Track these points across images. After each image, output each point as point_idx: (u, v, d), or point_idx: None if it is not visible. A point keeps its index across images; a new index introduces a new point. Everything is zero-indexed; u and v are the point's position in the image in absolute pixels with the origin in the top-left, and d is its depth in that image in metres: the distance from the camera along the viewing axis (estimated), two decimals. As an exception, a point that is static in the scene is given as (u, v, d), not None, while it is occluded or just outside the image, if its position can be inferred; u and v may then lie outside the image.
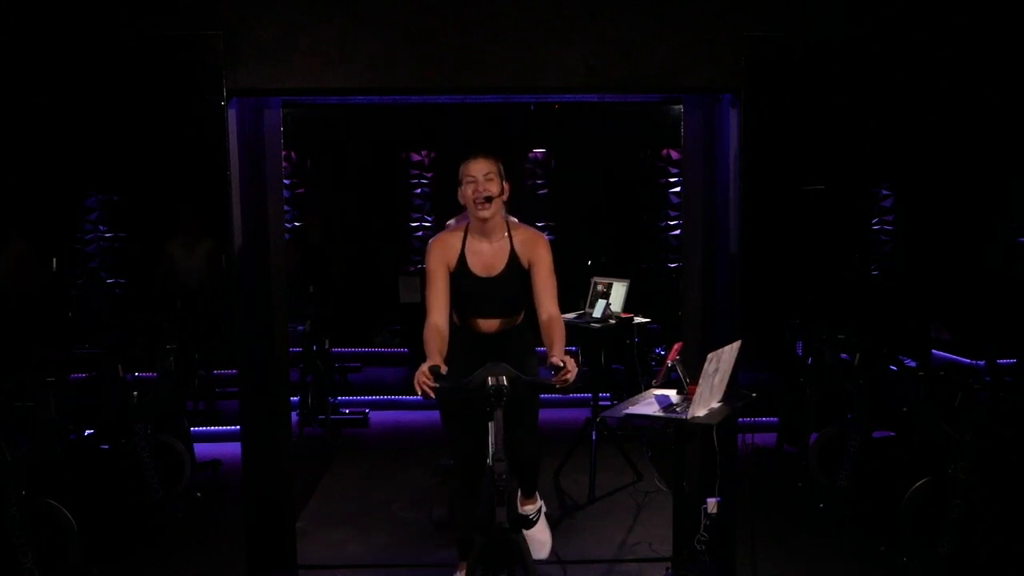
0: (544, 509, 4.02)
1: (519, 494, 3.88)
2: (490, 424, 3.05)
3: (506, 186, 3.45)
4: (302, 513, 4.80)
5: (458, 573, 3.80)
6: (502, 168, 3.43)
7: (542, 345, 3.45)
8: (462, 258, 3.48)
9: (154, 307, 6.89)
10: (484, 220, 3.42)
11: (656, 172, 9.47)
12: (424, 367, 3.05)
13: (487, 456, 3.09)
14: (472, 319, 3.59)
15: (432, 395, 3.04)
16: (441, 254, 3.47)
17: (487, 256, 3.48)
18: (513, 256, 3.48)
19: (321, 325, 6.52)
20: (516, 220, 3.60)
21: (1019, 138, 5.04)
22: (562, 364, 3.06)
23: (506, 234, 3.49)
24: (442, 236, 3.54)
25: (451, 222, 3.71)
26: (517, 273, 3.48)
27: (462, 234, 3.51)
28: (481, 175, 3.37)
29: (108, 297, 8.02)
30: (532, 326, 3.61)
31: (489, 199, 3.37)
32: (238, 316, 3.84)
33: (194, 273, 6.85)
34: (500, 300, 3.54)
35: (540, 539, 3.89)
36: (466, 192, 3.40)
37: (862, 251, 8.49)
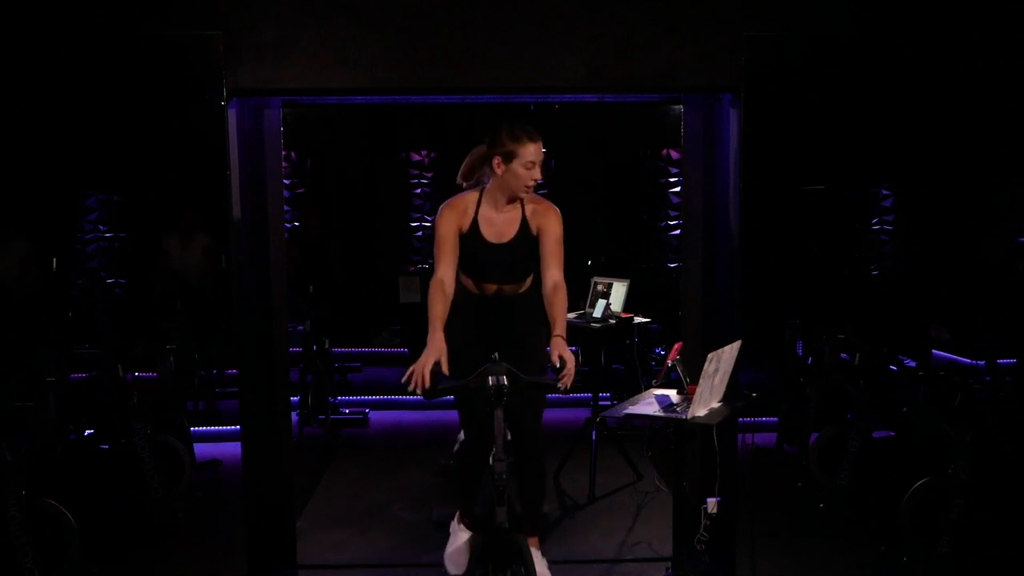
0: (547, 564, 3.88)
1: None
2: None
3: None
4: (302, 513, 4.80)
5: (454, 522, 3.85)
6: None
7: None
8: (475, 223, 3.52)
9: (154, 307, 6.89)
10: (522, 196, 3.49)
11: (656, 172, 9.48)
12: (427, 364, 3.05)
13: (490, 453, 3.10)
14: (482, 284, 3.62)
15: (430, 398, 3.05)
16: (454, 217, 3.51)
17: (499, 224, 3.53)
18: (524, 224, 3.52)
19: (321, 325, 6.52)
20: (532, 193, 3.62)
21: (1019, 138, 5.04)
22: (558, 364, 3.07)
23: (519, 203, 3.52)
24: (455, 201, 3.56)
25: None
26: (526, 240, 3.52)
27: (476, 199, 3.54)
28: (538, 160, 3.42)
29: (108, 297, 8.02)
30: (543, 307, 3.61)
31: (537, 184, 3.46)
32: (238, 316, 3.84)
33: (191, 273, 6.86)
34: (509, 266, 3.58)
35: None
36: (517, 172, 3.41)
37: (862, 251, 8.49)
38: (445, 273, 3.42)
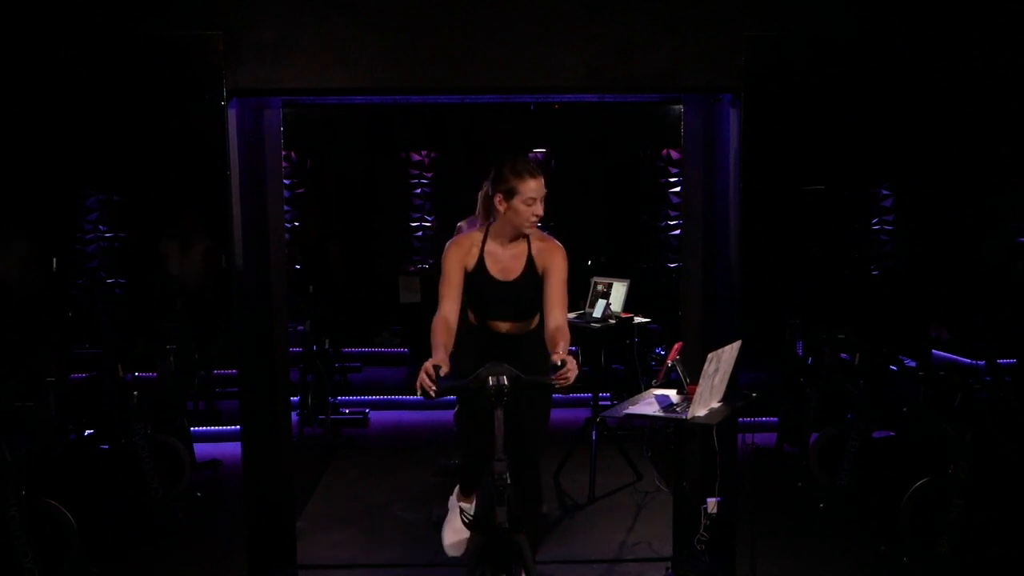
0: None
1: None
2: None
3: None
4: (302, 513, 4.80)
5: (455, 498, 3.85)
6: None
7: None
8: (480, 260, 3.50)
9: (154, 307, 6.90)
10: (526, 232, 3.46)
11: (656, 172, 9.48)
12: (428, 365, 3.06)
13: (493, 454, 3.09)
14: (487, 321, 3.61)
15: (432, 396, 3.04)
16: (459, 255, 3.50)
17: (505, 260, 3.51)
18: (530, 262, 3.51)
19: (321, 325, 6.52)
20: (538, 229, 3.61)
21: (1019, 138, 5.04)
22: (560, 364, 3.06)
23: (526, 240, 3.51)
24: (460, 239, 3.56)
25: (462, 224, 3.71)
26: (532, 279, 3.50)
27: (482, 236, 3.53)
28: (540, 197, 3.40)
29: (108, 297, 8.03)
30: None
31: (540, 220, 3.43)
32: (238, 316, 3.84)
33: (190, 273, 6.86)
34: (515, 304, 3.57)
35: None
36: (518, 208, 3.40)
37: (862, 251, 8.50)
38: (449, 311, 3.39)
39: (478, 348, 3.57)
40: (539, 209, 3.40)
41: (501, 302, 3.55)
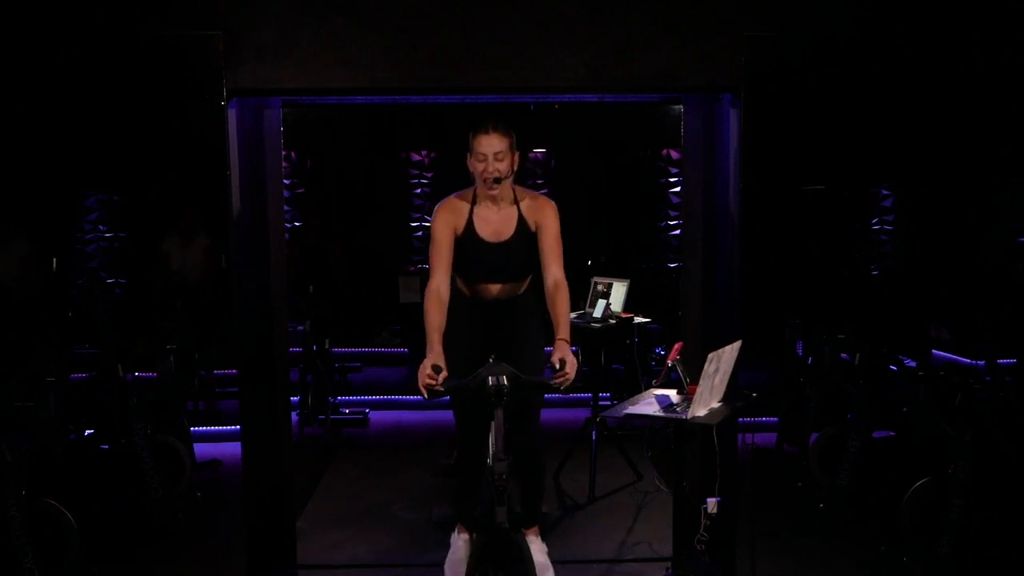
0: (547, 551, 3.86)
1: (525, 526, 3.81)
2: (491, 424, 3.05)
3: (516, 157, 3.44)
4: (302, 513, 4.80)
5: (455, 534, 3.83)
6: (514, 140, 3.41)
7: (549, 323, 3.42)
8: (470, 223, 3.49)
9: (154, 307, 6.90)
10: (490, 192, 3.44)
11: (656, 172, 9.48)
12: (427, 365, 3.05)
13: (488, 455, 3.09)
14: (478, 285, 3.59)
15: (439, 389, 3.04)
16: (448, 218, 3.47)
17: (495, 222, 3.50)
18: (521, 221, 3.49)
19: (321, 325, 6.52)
20: (524, 188, 3.60)
21: (1019, 138, 5.04)
22: (558, 365, 3.07)
23: (514, 200, 3.50)
24: (450, 201, 3.54)
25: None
26: (525, 238, 3.49)
27: (470, 199, 3.52)
28: (491, 153, 3.34)
29: (108, 297, 8.03)
30: (541, 309, 3.60)
31: (498, 180, 3.38)
32: (238, 316, 3.84)
33: (192, 272, 6.86)
34: (507, 265, 3.56)
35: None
36: (475, 166, 3.39)
37: (862, 251, 8.50)
38: (441, 281, 3.37)
39: (468, 321, 3.55)
40: (491, 167, 3.34)
41: (493, 264, 3.54)
